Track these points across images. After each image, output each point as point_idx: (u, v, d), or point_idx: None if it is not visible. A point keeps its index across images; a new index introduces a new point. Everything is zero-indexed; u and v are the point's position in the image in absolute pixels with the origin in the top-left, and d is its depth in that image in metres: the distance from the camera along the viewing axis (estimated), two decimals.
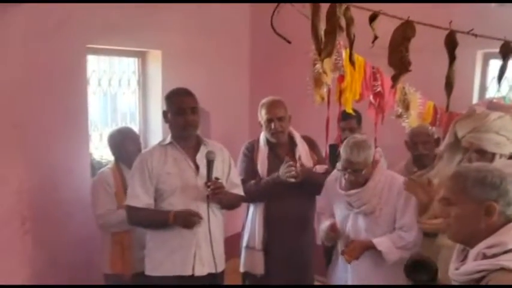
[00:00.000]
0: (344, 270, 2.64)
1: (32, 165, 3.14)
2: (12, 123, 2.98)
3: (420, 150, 2.86)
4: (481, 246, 1.46)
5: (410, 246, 2.46)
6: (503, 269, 1.38)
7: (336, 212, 2.67)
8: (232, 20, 4.71)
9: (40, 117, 3.18)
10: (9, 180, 2.89)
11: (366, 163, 2.44)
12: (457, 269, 1.53)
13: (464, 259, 1.56)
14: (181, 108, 2.53)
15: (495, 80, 3.79)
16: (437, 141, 2.89)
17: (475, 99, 3.73)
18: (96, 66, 3.81)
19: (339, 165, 2.51)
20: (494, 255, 1.43)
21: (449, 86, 1.25)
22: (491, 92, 3.81)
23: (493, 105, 2.68)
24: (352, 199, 2.52)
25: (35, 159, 3.16)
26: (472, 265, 1.46)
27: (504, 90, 3.73)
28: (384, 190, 2.50)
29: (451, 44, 1.25)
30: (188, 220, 2.46)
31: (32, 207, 3.07)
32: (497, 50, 1.58)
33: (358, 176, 2.46)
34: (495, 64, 3.80)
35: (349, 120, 3.32)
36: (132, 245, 2.85)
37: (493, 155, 2.34)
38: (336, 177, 2.66)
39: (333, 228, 2.57)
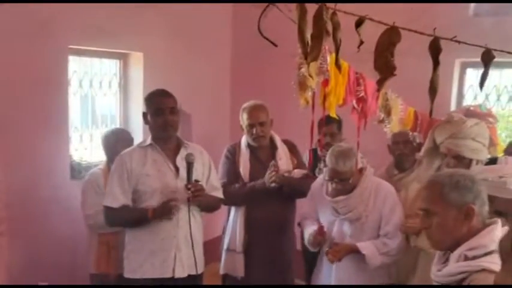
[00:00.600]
0: (328, 275, 2.66)
1: (10, 166, 3.08)
2: None
3: (401, 149, 2.91)
4: (462, 249, 1.50)
5: (393, 253, 2.50)
6: (484, 270, 1.43)
7: (321, 217, 2.68)
8: (214, 23, 4.72)
9: (19, 118, 3.14)
10: None
11: (352, 172, 2.47)
12: (439, 270, 1.57)
13: (445, 261, 1.59)
14: (160, 108, 2.52)
15: (472, 88, 3.90)
16: (420, 146, 2.95)
17: (452, 107, 3.81)
18: (78, 67, 3.77)
19: (322, 172, 2.53)
20: (475, 257, 1.47)
21: (433, 91, 1.28)
22: (468, 100, 3.91)
23: (470, 113, 2.75)
24: (338, 206, 2.54)
25: (12, 159, 3.11)
26: (454, 266, 1.50)
27: (480, 98, 3.84)
28: (370, 197, 2.53)
29: (435, 49, 1.29)
30: (166, 208, 2.44)
31: (11, 208, 3.01)
32: (474, 59, 1.63)
33: (345, 184, 2.49)
34: (471, 73, 3.91)
35: (330, 125, 3.35)
36: (118, 246, 2.82)
37: (470, 160, 2.41)
38: (322, 183, 2.67)
39: (320, 231, 2.57)
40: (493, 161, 2.59)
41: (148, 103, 2.58)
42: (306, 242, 2.70)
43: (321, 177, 2.72)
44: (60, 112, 3.41)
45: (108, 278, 2.87)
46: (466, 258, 1.49)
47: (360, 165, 2.52)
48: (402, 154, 2.92)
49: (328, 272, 2.64)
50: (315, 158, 3.43)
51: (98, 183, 2.89)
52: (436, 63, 1.28)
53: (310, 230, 2.66)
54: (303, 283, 3.66)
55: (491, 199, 1.83)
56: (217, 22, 4.78)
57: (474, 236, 1.50)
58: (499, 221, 1.55)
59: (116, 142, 2.92)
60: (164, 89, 2.61)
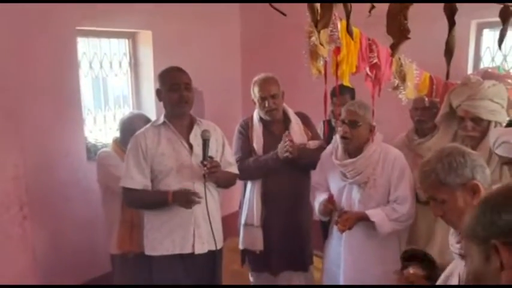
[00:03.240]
0: (338, 243, 2.67)
1: (28, 151, 3.11)
2: (4, 110, 2.93)
3: (419, 115, 2.90)
4: None
5: (403, 219, 2.49)
6: None
7: (331, 185, 2.69)
8: None
9: (33, 103, 3.16)
10: (5, 167, 2.87)
11: (364, 118, 2.47)
12: (458, 242, 1.52)
13: None
14: (175, 83, 2.51)
15: (489, 50, 3.80)
16: (438, 111, 2.92)
17: (469, 70, 3.72)
18: (87, 48, 3.75)
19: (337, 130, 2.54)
20: None
21: (449, 52, 1.23)
22: (486, 62, 3.80)
23: (488, 75, 2.67)
24: (346, 169, 2.54)
25: (30, 144, 3.14)
26: None
27: (498, 60, 3.74)
28: (378, 162, 2.52)
29: (450, 9, 1.23)
30: (187, 199, 2.46)
31: (30, 192, 3.05)
32: (491, 19, 1.56)
33: (353, 131, 2.47)
34: (488, 34, 3.79)
35: (343, 96, 3.31)
36: (140, 223, 2.81)
37: (489, 122, 2.35)
38: (332, 151, 2.68)
39: (330, 200, 2.59)
40: None
41: (162, 79, 2.56)
42: (316, 210, 2.72)
43: (330, 147, 2.72)
44: (72, 94, 3.42)
45: (127, 256, 2.88)
46: None
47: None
48: (420, 120, 2.90)
49: (339, 240, 2.65)
50: (330, 129, 3.40)
51: (112, 158, 2.87)
52: (451, 23, 1.22)
53: (320, 198, 2.68)
54: (321, 254, 3.69)
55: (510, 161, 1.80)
56: None
57: None
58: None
59: (135, 126, 2.81)
60: (178, 66, 2.60)
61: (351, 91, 3.43)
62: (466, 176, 1.49)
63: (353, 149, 2.53)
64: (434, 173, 1.51)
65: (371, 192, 2.52)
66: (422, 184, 1.58)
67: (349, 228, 2.45)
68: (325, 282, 2.85)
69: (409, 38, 1.30)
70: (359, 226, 2.49)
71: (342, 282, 2.65)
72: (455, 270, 1.55)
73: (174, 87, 2.51)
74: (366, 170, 2.50)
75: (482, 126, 2.34)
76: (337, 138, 2.62)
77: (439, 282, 1.62)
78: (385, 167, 2.51)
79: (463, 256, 1.49)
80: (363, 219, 2.47)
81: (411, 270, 1.75)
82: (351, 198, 2.58)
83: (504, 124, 2.31)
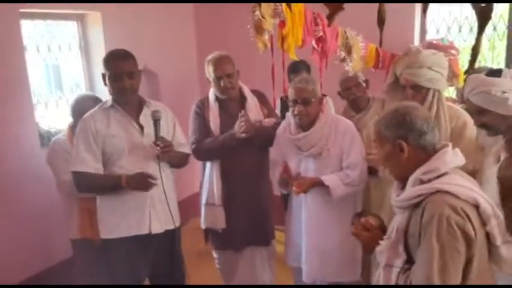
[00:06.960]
0: (298, 214, 2.77)
1: None
2: None
3: (355, 93, 2.96)
4: (417, 174, 1.58)
5: (356, 183, 2.61)
6: (438, 191, 1.51)
7: (289, 159, 2.76)
8: None
9: None
10: None
11: (314, 94, 2.53)
12: (397, 196, 1.64)
13: (403, 187, 1.67)
14: (117, 73, 2.44)
15: (433, 23, 3.92)
16: (367, 83, 3.00)
17: (416, 42, 3.83)
18: (33, 32, 3.62)
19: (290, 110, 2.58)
20: (429, 180, 1.55)
21: (381, 21, 1.29)
22: (431, 35, 3.92)
23: (433, 46, 2.77)
24: (301, 143, 2.62)
25: None
26: (412, 191, 1.57)
27: (442, 32, 3.87)
28: (330, 132, 2.62)
29: None
30: (142, 182, 2.43)
31: None
32: None
33: (308, 108, 2.53)
34: (432, 7, 3.88)
35: (300, 72, 3.35)
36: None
37: (427, 90, 2.45)
38: (285, 127, 2.75)
39: (285, 169, 2.68)
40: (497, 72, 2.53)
41: (106, 66, 2.48)
42: (276, 182, 2.80)
43: (284, 123, 2.79)
44: (19, 79, 3.30)
45: (92, 243, 2.81)
46: (422, 182, 1.57)
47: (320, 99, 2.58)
48: (356, 98, 2.97)
49: (299, 210, 2.75)
50: (285, 106, 3.44)
51: (65, 150, 2.80)
52: None
53: (277, 171, 2.77)
54: (282, 228, 3.76)
55: (483, 111, 1.93)
56: None
57: (423, 163, 1.58)
58: (450, 145, 1.62)
59: (85, 108, 2.73)
60: (123, 50, 2.50)
61: (307, 67, 3.46)
62: (399, 134, 1.60)
63: (306, 123, 2.60)
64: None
65: (326, 162, 2.62)
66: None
67: (305, 192, 2.55)
68: (289, 254, 2.94)
69: (343, 9, 1.35)
70: (316, 193, 2.60)
71: (304, 251, 2.74)
72: (395, 223, 1.66)
73: (116, 77, 2.44)
74: (320, 142, 2.60)
75: (422, 94, 2.45)
76: (289, 114, 2.67)
77: (386, 236, 1.72)
78: (337, 137, 2.62)
79: (400, 208, 1.63)
80: (317, 184, 2.57)
81: (367, 218, 1.86)
82: (308, 170, 2.67)
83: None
